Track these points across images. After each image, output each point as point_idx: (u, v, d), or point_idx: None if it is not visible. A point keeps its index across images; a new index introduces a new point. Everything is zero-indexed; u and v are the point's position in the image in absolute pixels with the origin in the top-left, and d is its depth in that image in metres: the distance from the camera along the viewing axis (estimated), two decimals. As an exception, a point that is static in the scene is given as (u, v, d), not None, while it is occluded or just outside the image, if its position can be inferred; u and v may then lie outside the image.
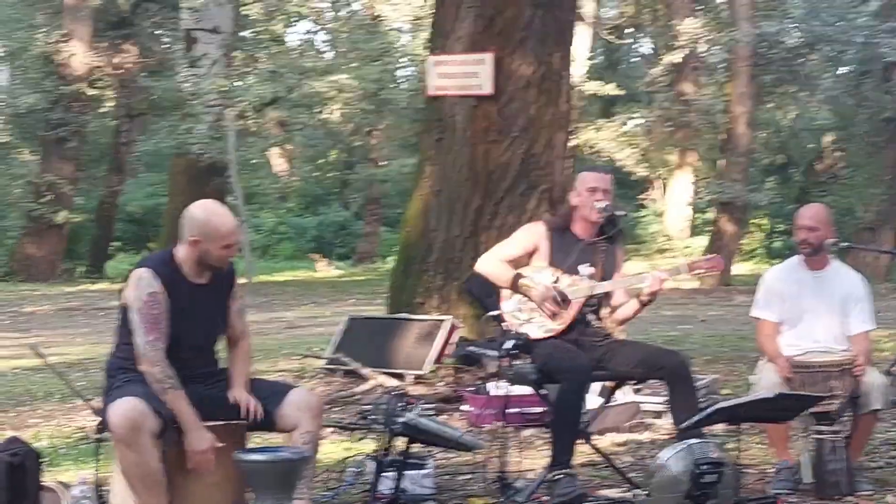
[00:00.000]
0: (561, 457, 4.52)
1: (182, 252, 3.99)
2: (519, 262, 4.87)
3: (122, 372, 3.96)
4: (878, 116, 20.30)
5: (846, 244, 5.36)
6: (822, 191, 23.91)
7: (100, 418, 4.15)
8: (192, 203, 4.07)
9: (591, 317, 4.80)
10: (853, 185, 22.92)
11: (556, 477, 4.45)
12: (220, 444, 3.88)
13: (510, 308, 4.75)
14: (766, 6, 19.26)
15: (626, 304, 4.87)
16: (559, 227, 4.82)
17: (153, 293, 3.87)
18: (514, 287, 4.73)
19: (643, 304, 4.78)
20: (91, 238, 23.31)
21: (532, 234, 4.86)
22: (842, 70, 21.65)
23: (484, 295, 5.05)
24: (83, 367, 8.96)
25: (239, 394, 4.02)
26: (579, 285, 4.73)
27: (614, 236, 4.81)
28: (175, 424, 3.88)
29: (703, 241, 22.48)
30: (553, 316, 4.69)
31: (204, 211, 3.98)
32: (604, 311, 4.95)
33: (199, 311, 4.00)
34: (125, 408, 3.74)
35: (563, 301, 4.69)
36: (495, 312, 4.72)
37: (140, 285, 3.89)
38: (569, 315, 4.71)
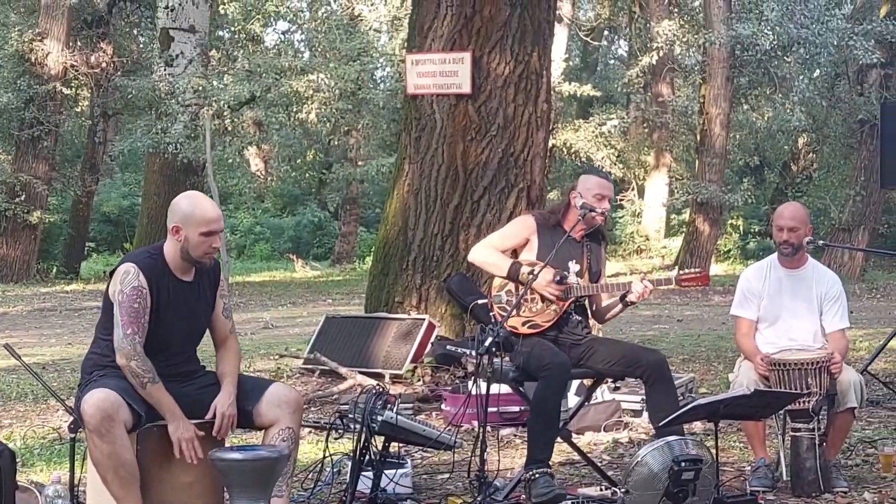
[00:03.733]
0: (538, 454, 4.51)
1: (168, 246, 3.98)
2: (508, 255, 4.88)
3: (98, 368, 3.94)
4: (851, 118, 20.46)
5: (822, 242, 5.40)
6: (796, 191, 24.06)
7: (73, 417, 4.12)
8: (171, 202, 4.09)
9: (574, 315, 4.81)
10: (827, 186, 23.07)
11: (534, 476, 4.43)
12: (201, 434, 3.87)
13: (498, 298, 4.75)
14: (741, 9, 19.37)
15: (611, 304, 4.94)
16: (549, 223, 4.85)
17: (136, 287, 3.87)
18: (512, 275, 4.72)
19: (625, 306, 4.86)
20: (65, 238, 23.11)
21: (524, 227, 4.89)
22: (816, 72, 21.78)
23: (464, 293, 5.04)
24: (57, 368, 8.89)
25: (221, 402, 3.97)
26: (578, 282, 4.76)
27: (600, 236, 4.93)
28: (150, 422, 3.85)
29: (678, 241, 22.57)
30: (554, 300, 4.69)
31: (187, 198, 4.05)
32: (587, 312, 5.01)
33: (183, 308, 3.98)
34: (98, 398, 3.73)
35: (563, 282, 4.69)
36: (483, 301, 4.71)
37: (124, 280, 3.88)
38: (556, 312, 4.72)
